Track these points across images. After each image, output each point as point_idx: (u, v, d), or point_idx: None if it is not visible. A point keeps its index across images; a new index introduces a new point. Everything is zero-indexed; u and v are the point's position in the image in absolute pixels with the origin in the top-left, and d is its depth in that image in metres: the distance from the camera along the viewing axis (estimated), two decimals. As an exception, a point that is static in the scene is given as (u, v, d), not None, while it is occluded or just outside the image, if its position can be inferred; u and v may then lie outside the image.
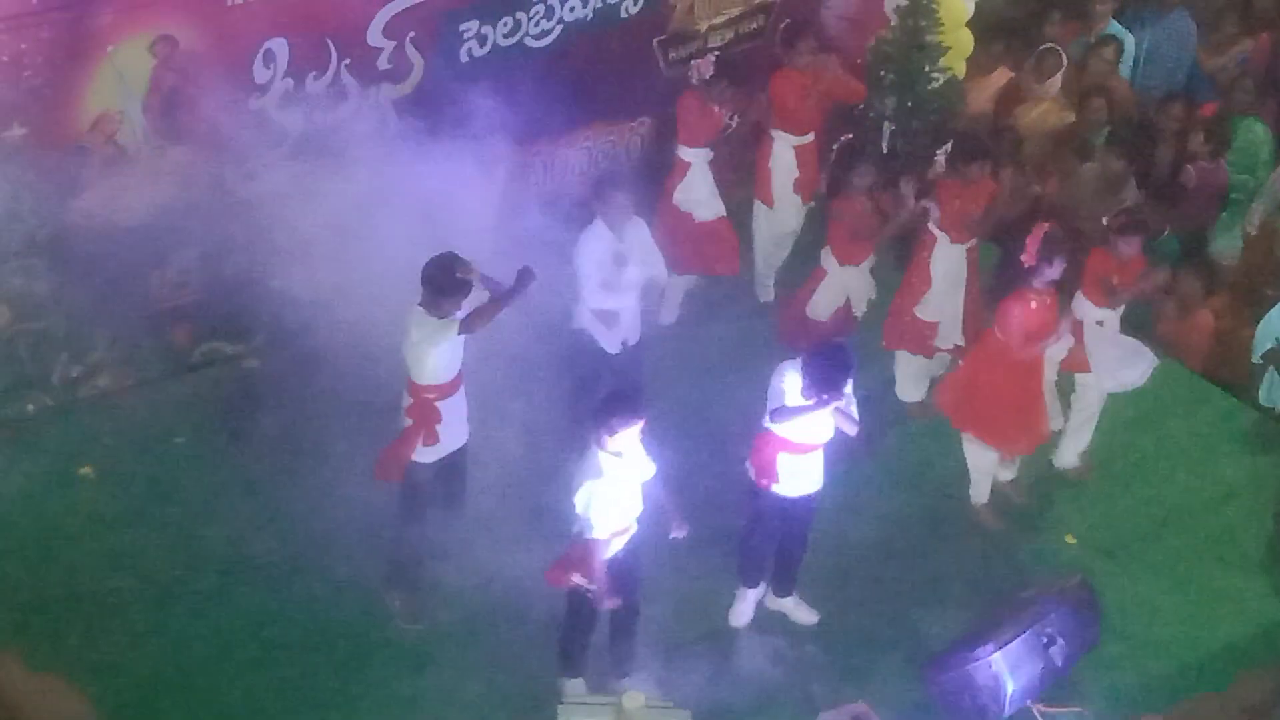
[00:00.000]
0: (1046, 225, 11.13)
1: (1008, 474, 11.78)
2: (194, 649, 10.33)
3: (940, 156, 12.53)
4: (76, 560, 10.80)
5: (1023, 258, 11.07)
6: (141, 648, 10.31)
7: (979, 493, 11.61)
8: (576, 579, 9.64)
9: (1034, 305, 11.04)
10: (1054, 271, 10.99)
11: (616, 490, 9.51)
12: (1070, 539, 11.64)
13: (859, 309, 12.22)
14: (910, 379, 12.44)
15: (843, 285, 12.09)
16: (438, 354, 10.03)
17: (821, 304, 12.10)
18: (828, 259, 12.09)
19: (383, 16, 12.00)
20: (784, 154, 12.94)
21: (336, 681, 10.24)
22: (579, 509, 9.49)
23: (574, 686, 10.09)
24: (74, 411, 11.72)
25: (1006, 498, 11.73)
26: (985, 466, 11.53)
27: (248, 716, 10.04)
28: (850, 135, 12.78)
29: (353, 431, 11.15)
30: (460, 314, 9.97)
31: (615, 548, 9.70)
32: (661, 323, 12.81)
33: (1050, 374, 11.64)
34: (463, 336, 10.03)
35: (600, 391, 10.33)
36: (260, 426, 11.42)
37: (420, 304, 9.99)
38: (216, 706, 10.07)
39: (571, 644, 10.09)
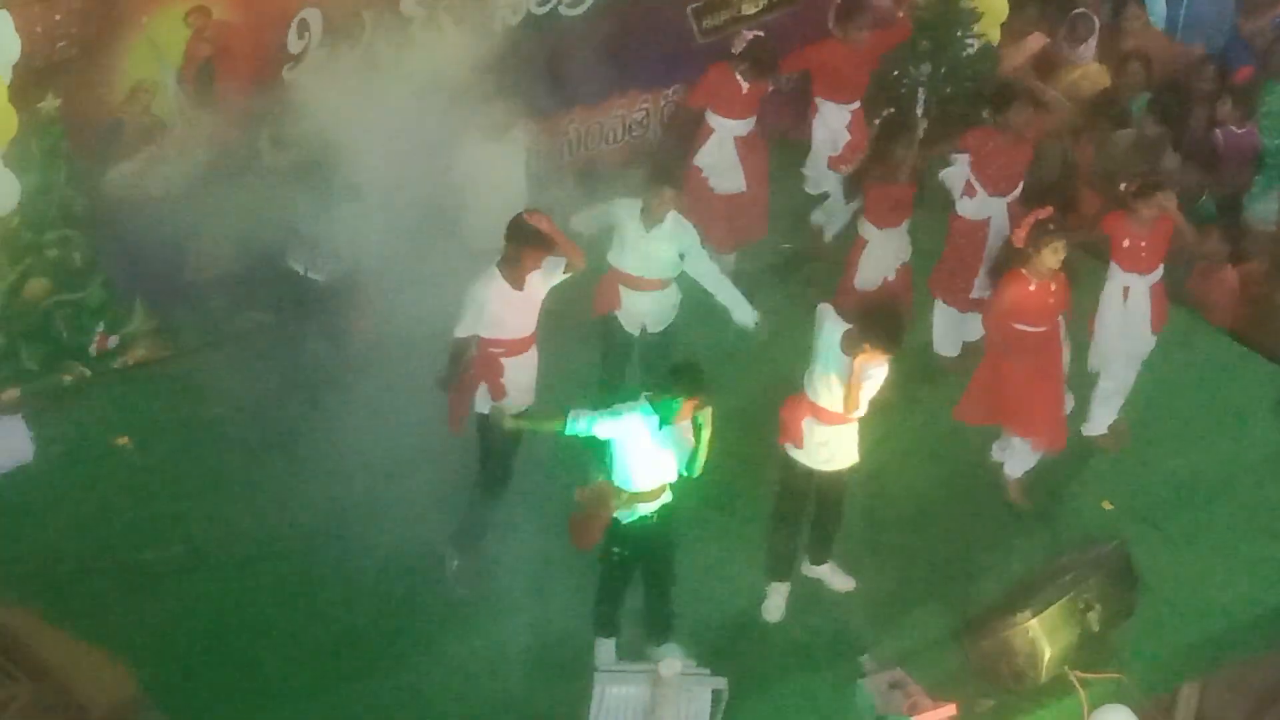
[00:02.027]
0: (1043, 212, 11.07)
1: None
2: (234, 617, 10.37)
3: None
4: (115, 530, 10.84)
5: (1012, 238, 11.08)
6: (182, 616, 10.35)
7: (1014, 468, 11.50)
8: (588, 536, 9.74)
9: (1033, 288, 10.98)
10: (1051, 260, 10.90)
11: (649, 451, 9.53)
12: (1107, 505, 11.62)
13: (890, 274, 12.14)
14: (947, 333, 12.46)
15: (884, 250, 12.01)
16: (506, 305, 10.14)
17: (868, 273, 12.00)
18: (865, 227, 12.03)
19: (416, -15, 12.03)
20: (834, 116, 12.99)
21: (377, 648, 10.27)
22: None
23: (605, 648, 10.12)
24: (111, 382, 11.75)
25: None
26: (1028, 450, 11.43)
27: (289, 683, 10.06)
28: (893, 110, 12.80)
29: (393, 398, 11.16)
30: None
31: (640, 509, 9.70)
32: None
33: (1067, 357, 11.61)
34: (537, 293, 10.18)
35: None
36: (299, 394, 11.43)
37: (499, 261, 10.17)
38: (258, 673, 10.10)
39: (605, 603, 10.11)
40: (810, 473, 10.34)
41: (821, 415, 10.18)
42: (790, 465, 10.35)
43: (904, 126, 12.38)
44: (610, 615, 10.16)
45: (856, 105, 13.10)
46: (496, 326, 10.25)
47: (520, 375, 10.37)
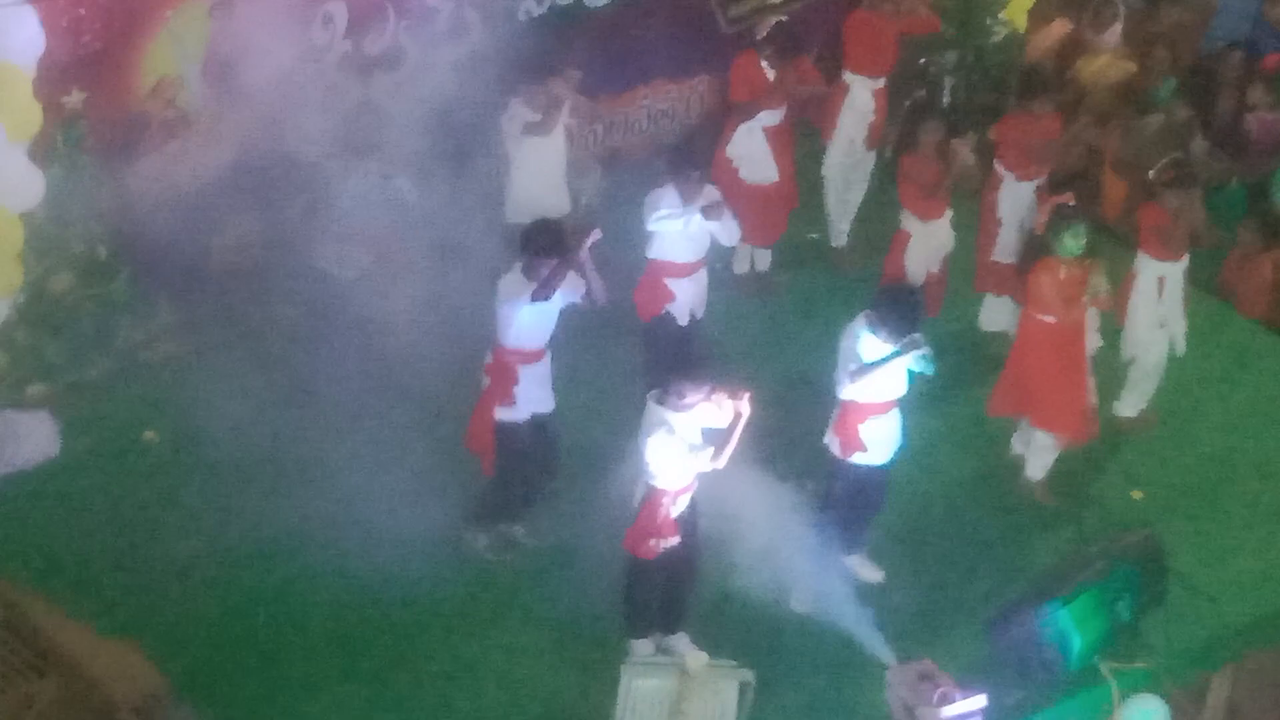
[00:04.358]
0: (1061, 198, 11.02)
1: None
2: (261, 611, 10.37)
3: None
4: (142, 525, 10.83)
5: (1035, 227, 11.05)
6: (210, 610, 10.35)
7: (1036, 469, 11.49)
8: (654, 543, 9.66)
9: (1063, 275, 10.93)
10: (1072, 245, 10.86)
11: (681, 446, 9.52)
12: (1136, 494, 11.58)
13: (934, 266, 12.11)
14: (994, 308, 12.45)
15: (929, 242, 11.99)
16: (521, 316, 10.07)
17: (914, 265, 11.98)
18: (908, 220, 12.00)
19: (442, -23, 12.03)
20: (861, 95, 12.90)
21: (405, 641, 10.26)
22: (648, 463, 9.52)
23: (642, 647, 10.09)
24: (137, 376, 11.75)
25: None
26: (1048, 445, 11.43)
27: (315, 677, 10.07)
28: (923, 92, 12.74)
29: (415, 393, 11.17)
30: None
31: (681, 505, 9.69)
32: (735, 272, 12.83)
33: (1091, 347, 11.54)
34: (554, 308, 10.10)
35: (669, 361, 10.38)
36: (324, 389, 11.43)
37: (520, 268, 10.07)
38: (283, 666, 10.11)
39: (639, 606, 10.09)
40: (867, 468, 10.35)
41: (877, 410, 10.19)
42: (844, 466, 10.34)
43: (932, 109, 12.35)
44: (646, 617, 10.13)
45: (882, 83, 13.01)
46: (516, 336, 10.19)
47: (534, 383, 10.34)
